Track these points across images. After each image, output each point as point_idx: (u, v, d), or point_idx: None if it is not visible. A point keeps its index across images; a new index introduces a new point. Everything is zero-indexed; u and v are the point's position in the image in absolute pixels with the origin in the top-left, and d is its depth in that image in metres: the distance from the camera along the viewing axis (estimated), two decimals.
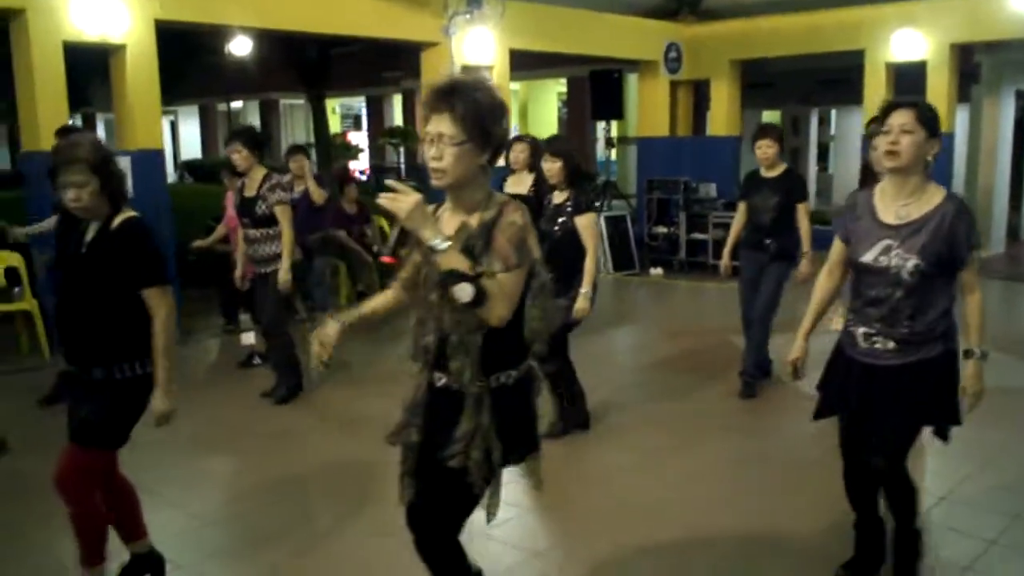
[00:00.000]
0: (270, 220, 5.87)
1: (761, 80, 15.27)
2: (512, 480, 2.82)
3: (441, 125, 2.51)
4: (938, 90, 11.31)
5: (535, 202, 5.65)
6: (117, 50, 7.79)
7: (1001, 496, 4.44)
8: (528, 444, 2.73)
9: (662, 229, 12.75)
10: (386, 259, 2.49)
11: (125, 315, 3.23)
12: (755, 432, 5.73)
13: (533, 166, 6.22)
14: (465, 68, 10.47)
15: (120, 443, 3.36)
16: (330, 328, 2.77)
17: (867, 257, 3.28)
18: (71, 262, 3.30)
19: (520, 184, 6.26)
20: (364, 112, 31.65)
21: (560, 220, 5.26)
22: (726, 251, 6.51)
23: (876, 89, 11.84)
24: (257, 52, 22.71)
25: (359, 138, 29.86)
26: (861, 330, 3.34)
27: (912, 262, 3.18)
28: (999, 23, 10.64)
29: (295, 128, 32.43)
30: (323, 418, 6.01)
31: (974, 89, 13.16)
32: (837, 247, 3.50)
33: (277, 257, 5.91)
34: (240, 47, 20.19)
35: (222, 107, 31.37)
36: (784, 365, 3.68)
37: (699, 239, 12.35)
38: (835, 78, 16.23)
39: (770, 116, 20.55)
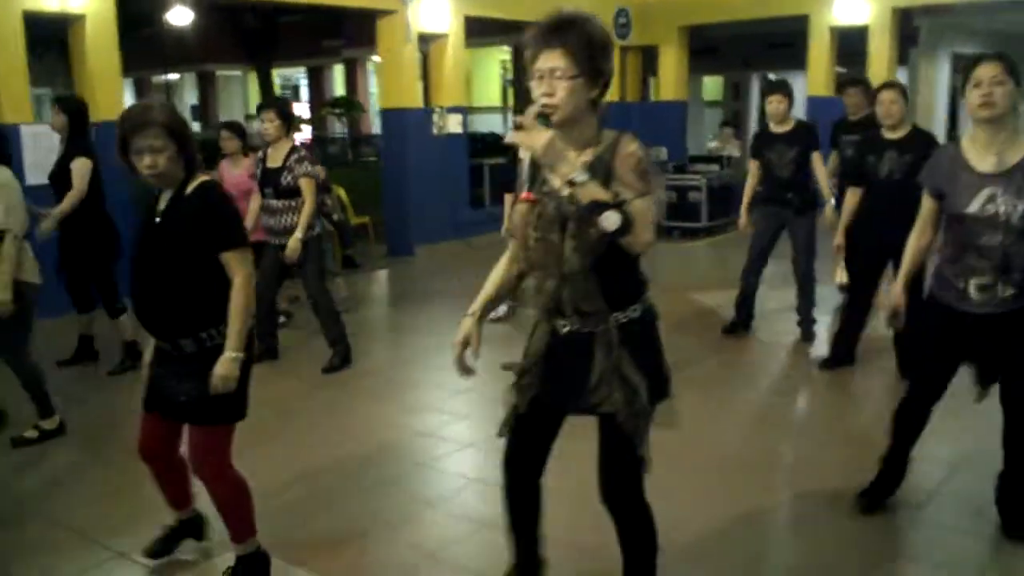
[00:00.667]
0: (295, 192, 5.79)
1: (704, 46, 15.51)
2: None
3: (553, 60, 2.45)
4: (879, 53, 11.67)
5: None
6: (76, 20, 7.69)
7: None
8: (665, 380, 2.66)
9: None
10: (526, 196, 2.36)
11: (207, 282, 3.10)
12: (748, 382, 5.95)
13: None
14: (422, 36, 10.53)
15: (241, 414, 3.23)
16: (466, 326, 2.74)
17: (972, 208, 3.30)
18: (145, 234, 3.17)
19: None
20: (304, 83, 31.35)
21: None
22: (743, 208, 6.59)
23: (820, 53, 12.17)
24: (196, 23, 22.39)
25: (300, 109, 29.55)
26: (974, 282, 3.35)
27: (1023, 206, 3.23)
28: None
29: (231, 100, 31.95)
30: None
31: (912, 52, 13.59)
32: (928, 204, 3.53)
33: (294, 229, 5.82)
34: (179, 17, 19.89)
35: (158, 80, 30.74)
36: (884, 311, 3.76)
37: None
38: (777, 43, 16.57)
39: (713, 81, 20.92)
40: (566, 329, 2.59)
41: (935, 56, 13.64)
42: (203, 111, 31.07)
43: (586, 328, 2.56)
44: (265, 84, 18.43)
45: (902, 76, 13.48)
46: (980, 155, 3.32)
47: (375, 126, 28.96)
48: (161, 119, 3.01)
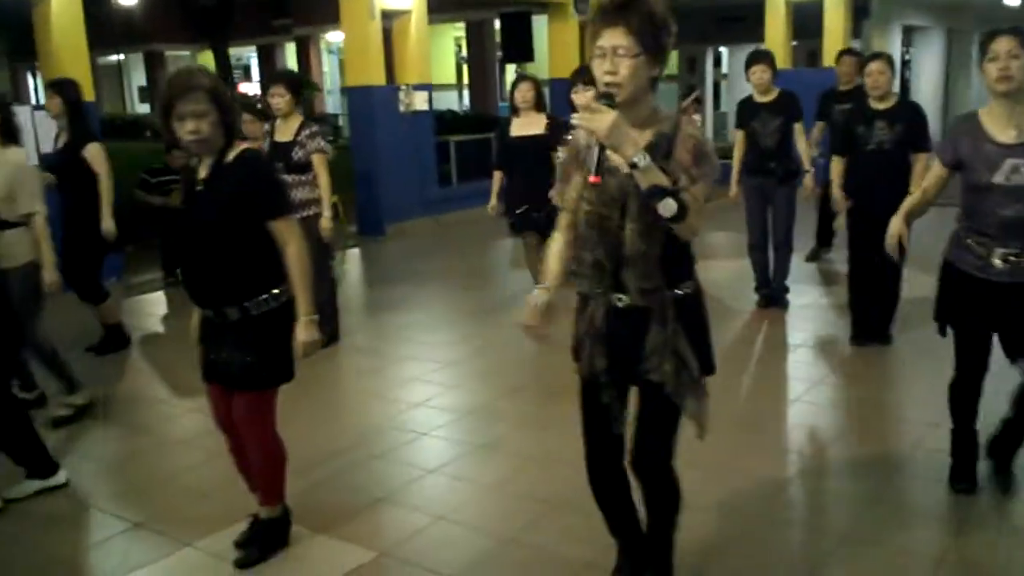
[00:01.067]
0: (305, 167, 5.76)
1: None
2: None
3: (616, 38, 2.46)
4: (834, 26, 11.97)
5: (552, 140, 5.80)
6: (41, 1, 7.59)
7: None
8: (711, 355, 2.75)
9: None
10: (594, 179, 2.39)
11: (251, 250, 3.14)
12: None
13: (541, 105, 6.44)
14: (385, 13, 10.52)
15: (287, 376, 3.32)
16: (541, 297, 2.79)
17: (998, 178, 3.35)
18: (187, 203, 3.21)
19: (531, 125, 6.40)
20: (255, 63, 30.97)
21: None
22: (733, 179, 6.60)
23: (776, 27, 12.42)
24: (143, 1, 22.02)
25: (251, 89, 29.21)
26: (999, 251, 3.40)
27: None
28: None
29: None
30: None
31: (864, 24, 13.89)
32: (938, 171, 3.60)
33: (309, 203, 5.80)
34: None
35: (105, 60, 30.16)
36: (890, 239, 3.73)
37: None
38: (729, 16, 16.84)
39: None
40: (623, 303, 2.67)
41: (887, 28, 13.97)
42: (151, 92, 30.59)
43: (643, 303, 2.62)
44: (221, 63, 18.20)
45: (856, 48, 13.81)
46: (1000, 127, 3.39)
47: (329, 105, 28.82)
48: (206, 84, 3.04)
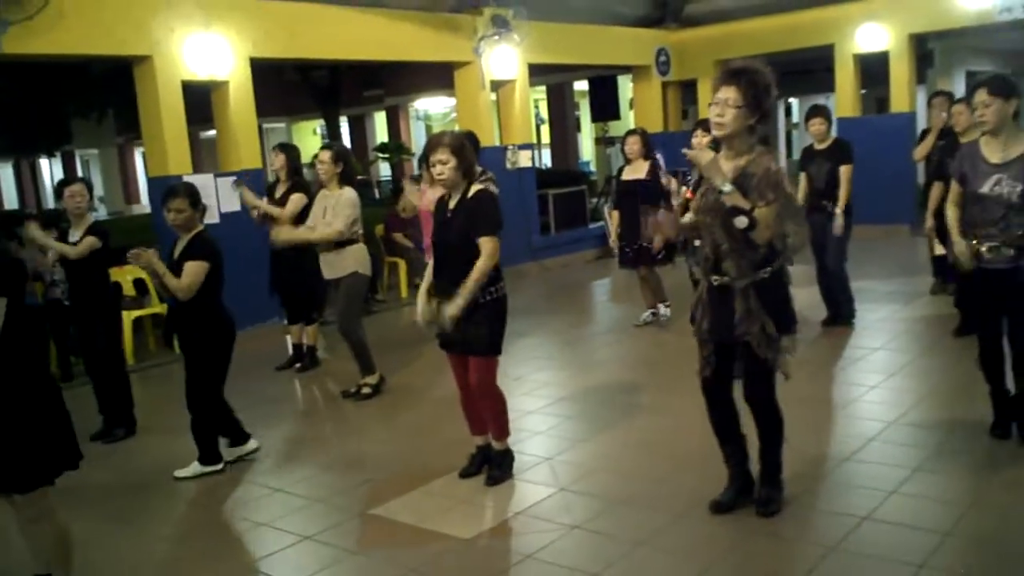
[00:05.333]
0: None
1: None
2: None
3: (727, 92, 3.67)
4: (899, 75, 12.92)
5: (653, 184, 7.27)
6: (220, 85, 9.08)
7: None
8: (790, 321, 3.87)
9: None
10: (688, 194, 3.74)
11: (476, 253, 4.48)
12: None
13: (647, 155, 7.75)
14: (494, 83, 11.89)
15: (500, 350, 4.68)
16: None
17: (984, 189, 4.44)
18: (442, 222, 4.65)
19: (638, 171, 7.76)
20: (346, 131, 32.88)
21: None
22: None
23: (846, 77, 13.41)
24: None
25: None
26: (986, 245, 4.46)
27: (1020, 187, 4.33)
28: (950, 13, 12.23)
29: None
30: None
31: (929, 72, 14.84)
32: (955, 187, 4.68)
33: None
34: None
35: (205, 135, 32.36)
36: (961, 257, 4.61)
37: None
38: (799, 70, 17.86)
39: None
40: (718, 283, 3.86)
41: (950, 75, 14.89)
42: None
43: (731, 282, 3.82)
44: (331, 129, 20.14)
45: (921, 95, 14.74)
46: (992, 151, 4.48)
47: (416, 167, 30.51)
48: (448, 141, 4.54)
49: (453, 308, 4.47)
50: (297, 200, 7.35)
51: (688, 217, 3.97)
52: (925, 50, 14.56)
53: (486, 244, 4.49)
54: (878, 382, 6.12)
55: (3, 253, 3.55)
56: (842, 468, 4.69)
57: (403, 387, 6.95)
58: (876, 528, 3.98)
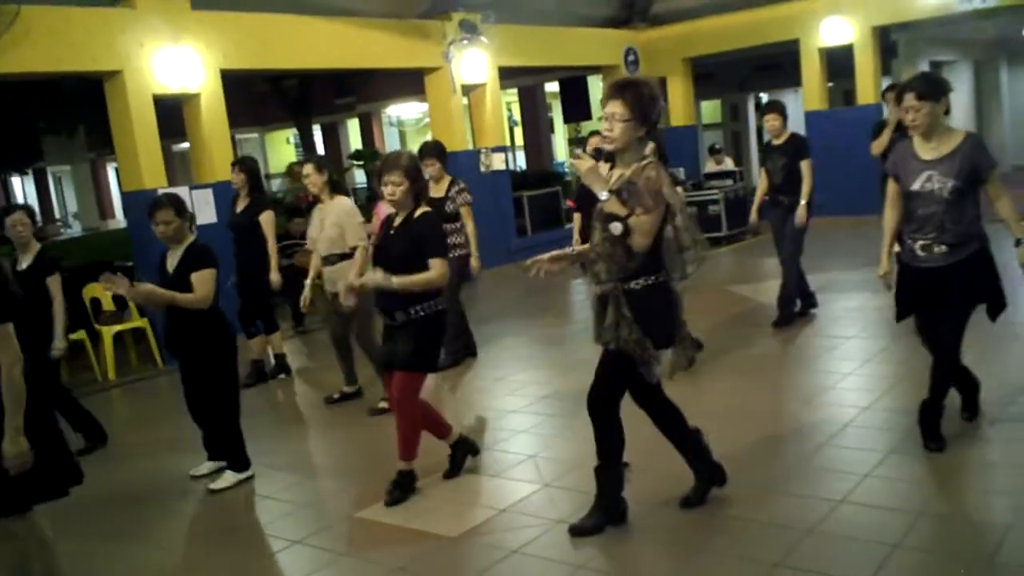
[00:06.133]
0: (455, 217, 7.18)
1: (701, 72, 16.98)
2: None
3: (613, 107, 3.73)
4: (865, 67, 13.13)
5: None
6: (192, 98, 9.12)
7: None
8: (664, 335, 3.87)
9: None
10: (571, 203, 3.88)
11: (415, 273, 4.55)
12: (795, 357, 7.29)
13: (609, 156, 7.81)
14: (464, 87, 11.97)
15: (426, 369, 4.73)
16: (556, 254, 4.10)
17: (915, 186, 4.39)
18: (385, 241, 4.73)
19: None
20: (320, 139, 32.87)
21: None
22: (753, 210, 7.78)
23: (812, 71, 13.62)
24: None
25: None
26: (919, 243, 4.42)
27: (951, 183, 4.28)
28: (912, 5, 12.47)
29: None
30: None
31: (894, 63, 15.05)
32: (892, 185, 4.58)
33: (458, 246, 7.19)
34: None
35: (178, 147, 32.25)
36: (878, 280, 4.74)
37: None
38: (766, 65, 18.06)
39: (710, 105, 22.40)
40: (597, 290, 3.94)
41: (915, 65, 15.09)
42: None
43: (603, 290, 3.88)
44: (306, 139, 20.13)
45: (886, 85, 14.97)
46: (924, 148, 4.43)
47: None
48: (403, 163, 4.58)
49: (378, 277, 4.54)
50: (268, 219, 7.42)
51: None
52: (889, 42, 14.76)
53: (437, 265, 4.57)
54: (852, 369, 6.25)
55: (4, 280, 3.55)
56: (819, 453, 4.80)
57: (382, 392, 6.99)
58: (852, 510, 4.09)
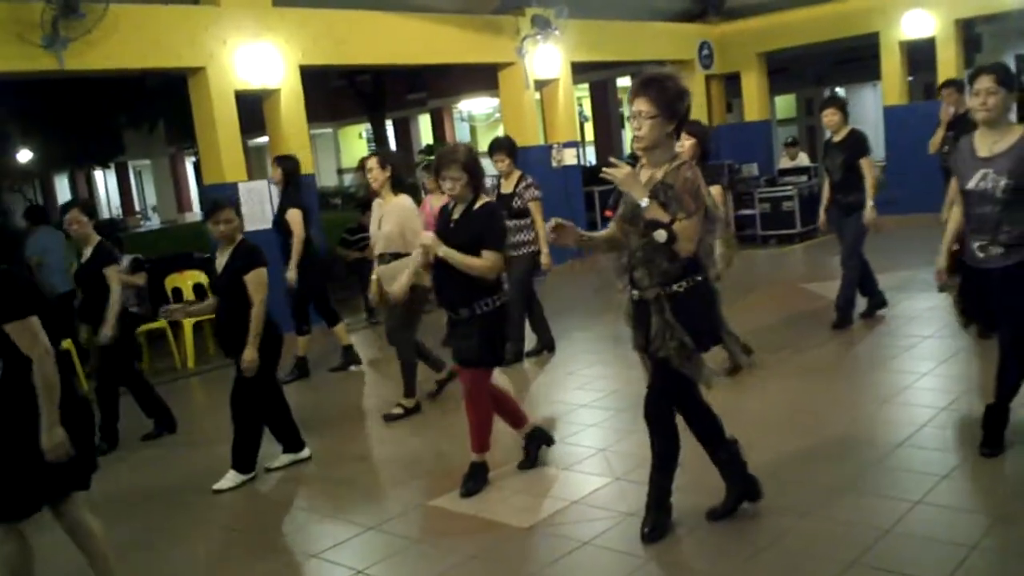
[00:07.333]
0: (523, 213, 7.17)
1: (775, 66, 16.73)
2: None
3: (641, 105, 3.58)
4: (947, 61, 12.79)
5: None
6: (272, 94, 9.32)
7: None
8: (710, 334, 3.76)
9: None
10: (608, 212, 3.66)
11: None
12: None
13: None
14: (537, 82, 12.01)
15: (492, 363, 4.76)
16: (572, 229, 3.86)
17: (970, 184, 4.23)
18: (444, 231, 4.69)
19: None
20: (392, 134, 33.23)
21: None
22: (821, 211, 7.56)
23: (892, 65, 13.33)
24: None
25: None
26: (976, 243, 4.26)
27: (1003, 182, 4.10)
28: None
29: (328, 156, 34.04)
30: None
31: (977, 57, 14.65)
32: (954, 183, 4.51)
33: (528, 243, 7.22)
34: None
35: (254, 143, 32.92)
36: (937, 271, 4.65)
37: (747, 214, 13.68)
38: (844, 59, 17.71)
39: (785, 100, 22.07)
40: (636, 296, 3.83)
41: (1000, 59, 14.66)
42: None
43: (644, 296, 3.77)
44: (378, 134, 20.41)
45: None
46: (983, 144, 4.25)
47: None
48: (460, 158, 4.59)
49: (442, 248, 4.55)
50: (294, 216, 7.47)
51: (606, 231, 3.98)
52: (973, 35, 14.38)
53: (490, 257, 4.57)
54: (930, 369, 6.14)
55: (21, 276, 3.60)
56: (895, 453, 4.73)
57: (456, 385, 7.05)
58: (929, 511, 4.03)
